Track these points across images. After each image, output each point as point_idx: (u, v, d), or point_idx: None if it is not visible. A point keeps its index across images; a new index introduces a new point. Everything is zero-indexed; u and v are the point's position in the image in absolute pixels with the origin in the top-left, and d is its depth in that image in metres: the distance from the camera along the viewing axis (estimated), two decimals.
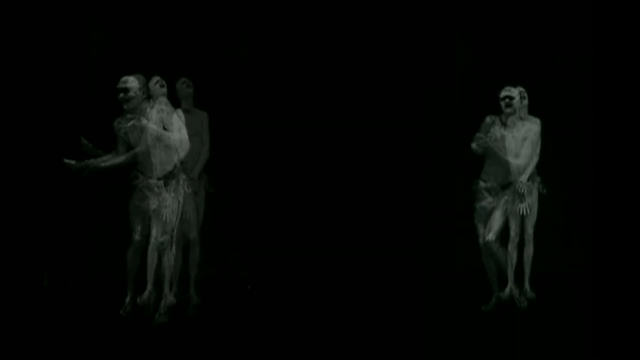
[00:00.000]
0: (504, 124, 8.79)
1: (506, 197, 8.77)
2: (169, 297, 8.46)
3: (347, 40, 10.39)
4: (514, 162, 8.71)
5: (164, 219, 8.30)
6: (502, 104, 8.74)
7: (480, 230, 8.87)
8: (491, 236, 8.73)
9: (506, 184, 8.78)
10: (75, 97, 9.99)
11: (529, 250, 8.95)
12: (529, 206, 8.76)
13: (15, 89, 9.84)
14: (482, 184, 8.86)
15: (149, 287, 8.31)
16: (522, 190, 8.71)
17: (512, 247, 8.84)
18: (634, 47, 9.31)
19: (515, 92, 8.76)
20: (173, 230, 8.38)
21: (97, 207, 10.06)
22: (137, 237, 8.36)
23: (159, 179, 8.32)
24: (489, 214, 8.82)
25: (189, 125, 8.62)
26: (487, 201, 8.83)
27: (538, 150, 8.82)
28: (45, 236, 9.92)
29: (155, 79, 8.47)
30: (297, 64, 10.50)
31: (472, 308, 8.93)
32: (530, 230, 8.94)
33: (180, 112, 8.50)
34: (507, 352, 7.72)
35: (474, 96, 9.03)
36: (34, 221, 9.86)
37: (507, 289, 8.87)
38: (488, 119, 8.83)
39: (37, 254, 9.89)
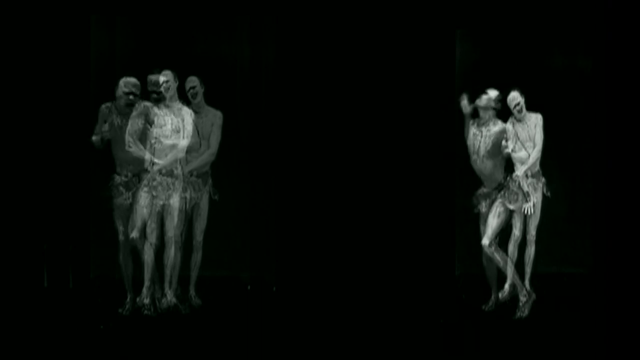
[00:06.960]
0: (478, 124, 8.87)
1: (499, 200, 8.77)
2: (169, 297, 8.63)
3: (347, 40, 10.38)
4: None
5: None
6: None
7: (482, 232, 8.91)
8: (484, 241, 8.75)
9: (498, 186, 8.80)
10: (75, 95, 9.97)
11: (531, 251, 8.94)
12: (534, 206, 8.76)
13: (13, 89, 9.82)
14: (480, 190, 8.91)
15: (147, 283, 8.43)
16: (523, 187, 8.71)
17: (513, 246, 8.83)
18: (637, 47, 9.30)
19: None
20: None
21: (97, 207, 10.04)
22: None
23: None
24: (485, 218, 8.85)
25: (199, 127, 8.60)
26: (482, 206, 8.88)
27: (540, 147, 8.80)
28: (45, 236, 9.91)
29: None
30: (296, 64, 10.49)
31: (472, 308, 8.93)
32: (532, 231, 8.92)
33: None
34: (508, 353, 7.72)
35: (474, 96, 9.01)
36: (34, 221, 9.85)
37: (507, 289, 8.88)
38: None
39: (37, 254, 9.87)
